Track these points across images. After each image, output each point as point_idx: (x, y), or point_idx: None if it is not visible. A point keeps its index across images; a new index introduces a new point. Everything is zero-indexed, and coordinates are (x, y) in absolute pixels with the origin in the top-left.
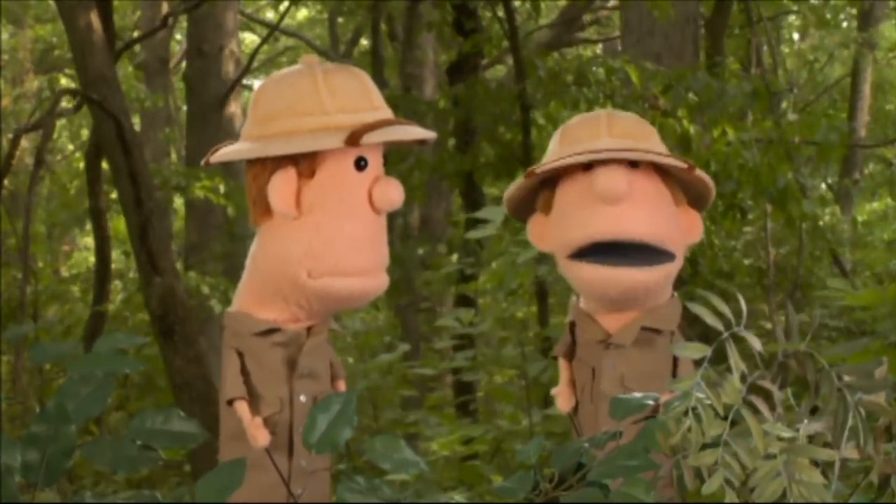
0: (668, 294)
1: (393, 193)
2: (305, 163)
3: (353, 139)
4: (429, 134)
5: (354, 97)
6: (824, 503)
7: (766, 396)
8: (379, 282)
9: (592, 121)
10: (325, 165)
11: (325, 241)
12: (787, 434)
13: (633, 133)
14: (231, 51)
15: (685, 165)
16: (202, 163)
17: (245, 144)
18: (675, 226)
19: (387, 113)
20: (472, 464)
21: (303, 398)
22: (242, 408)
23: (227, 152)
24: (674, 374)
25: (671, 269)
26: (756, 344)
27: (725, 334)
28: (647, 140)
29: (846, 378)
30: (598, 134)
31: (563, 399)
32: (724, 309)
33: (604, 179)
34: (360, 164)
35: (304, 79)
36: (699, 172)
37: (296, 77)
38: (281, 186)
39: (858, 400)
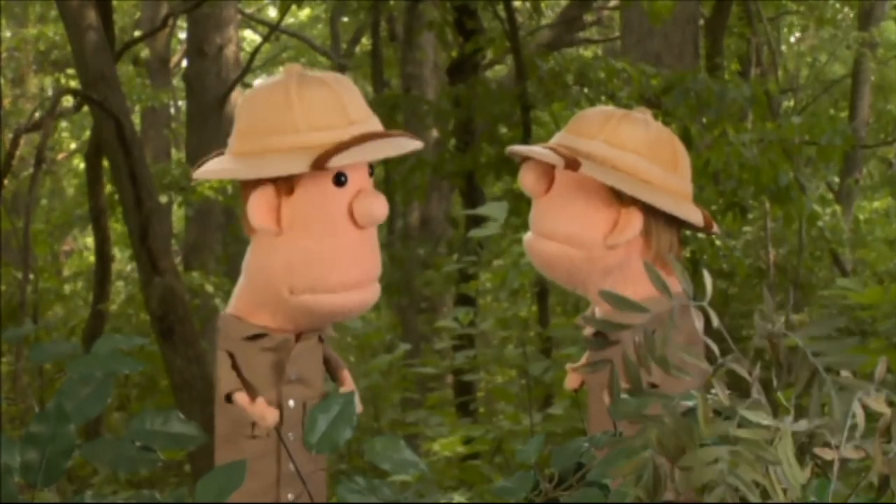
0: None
1: (375, 208)
2: (283, 181)
3: (319, 163)
4: (403, 150)
5: (328, 113)
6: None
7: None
8: (364, 295)
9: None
10: (303, 183)
11: (305, 259)
12: (767, 422)
13: (588, 133)
14: (231, 51)
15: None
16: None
17: (226, 160)
18: (591, 224)
19: (365, 126)
20: (472, 464)
21: (291, 403)
22: (242, 397)
23: (205, 170)
24: None
25: (572, 254)
26: (714, 321)
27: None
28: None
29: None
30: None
31: (571, 376)
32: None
33: (521, 175)
34: (340, 179)
35: (277, 94)
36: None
37: (270, 92)
38: (258, 205)
39: (836, 379)
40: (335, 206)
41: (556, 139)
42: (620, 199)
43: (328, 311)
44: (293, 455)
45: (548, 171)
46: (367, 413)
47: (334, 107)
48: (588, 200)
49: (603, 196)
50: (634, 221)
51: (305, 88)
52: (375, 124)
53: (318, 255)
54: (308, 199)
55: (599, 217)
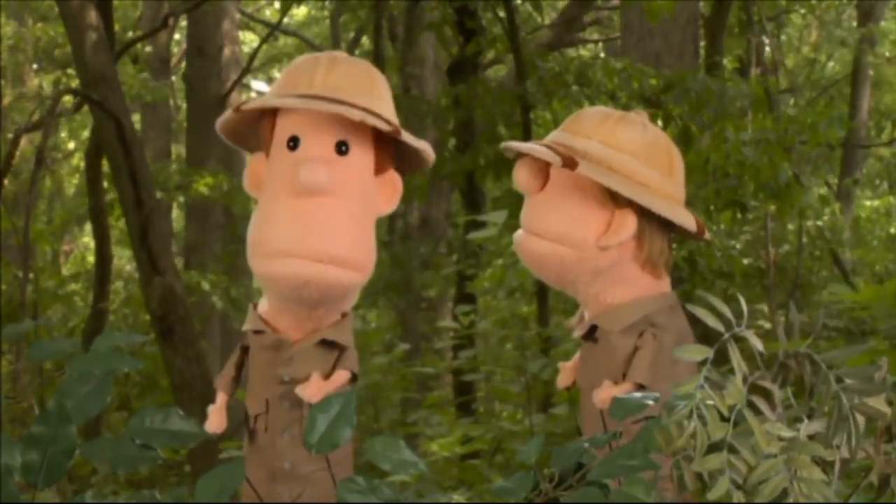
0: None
1: (303, 171)
2: (266, 143)
3: (235, 106)
4: (323, 109)
5: (297, 79)
6: (826, 502)
7: (767, 396)
8: (289, 268)
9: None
10: (273, 147)
11: (257, 222)
12: (787, 433)
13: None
14: (231, 51)
15: (562, 161)
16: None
17: None
18: (584, 224)
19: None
20: (472, 464)
21: (287, 404)
22: (219, 397)
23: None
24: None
25: (563, 254)
26: (758, 345)
27: (727, 335)
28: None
29: (847, 381)
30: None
31: (563, 375)
32: (725, 310)
33: (515, 171)
34: (290, 143)
35: (311, 59)
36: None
37: (308, 57)
38: (248, 169)
39: (855, 403)
40: (284, 168)
41: (552, 137)
42: (615, 200)
43: (269, 275)
44: (290, 455)
45: (543, 169)
46: (367, 413)
47: (305, 74)
48: (582, 200)
49: (597, 197)
50: (628, 224)
51: (338, 60)
52: (344, 95)
53: (264, 217)
54: (272, 161)
55: (593, 218)
